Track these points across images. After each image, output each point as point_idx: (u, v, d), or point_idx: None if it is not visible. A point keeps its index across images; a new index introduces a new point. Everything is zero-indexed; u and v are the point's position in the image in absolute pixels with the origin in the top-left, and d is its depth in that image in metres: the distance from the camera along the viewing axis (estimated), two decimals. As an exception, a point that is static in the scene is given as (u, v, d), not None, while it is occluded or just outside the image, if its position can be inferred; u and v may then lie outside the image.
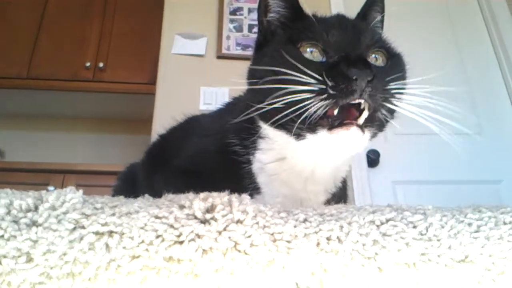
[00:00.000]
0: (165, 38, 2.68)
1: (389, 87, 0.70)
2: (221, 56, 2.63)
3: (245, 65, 0.85)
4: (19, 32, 3.28)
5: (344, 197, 0.96)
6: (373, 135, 0.75)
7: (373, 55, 0.76)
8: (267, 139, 0.82)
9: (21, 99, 3.37)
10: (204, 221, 0.54)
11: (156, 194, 0.63)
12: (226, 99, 2.41)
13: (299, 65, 0.68)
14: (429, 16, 2.88)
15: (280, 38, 0.80)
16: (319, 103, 0.65)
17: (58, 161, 2.98)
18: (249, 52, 2.58)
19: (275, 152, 0.82)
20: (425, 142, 2.38)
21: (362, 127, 0.68)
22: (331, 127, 0.68)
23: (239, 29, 2.74)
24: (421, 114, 0.71)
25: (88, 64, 3.23)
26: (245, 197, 0.59)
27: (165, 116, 2.54)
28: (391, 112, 0.72)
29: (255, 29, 2.08)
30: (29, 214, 0.52)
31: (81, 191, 0.57)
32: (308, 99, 0.66)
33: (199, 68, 2.61)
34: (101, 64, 3.24)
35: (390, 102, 0.70)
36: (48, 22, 3.34)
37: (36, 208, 0.53)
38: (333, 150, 0.74)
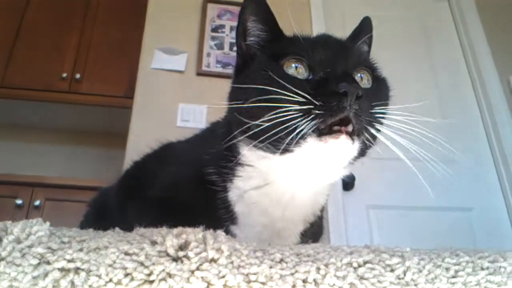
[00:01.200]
0: (145, 52, 2.65)
1: (374, 110, 0.69)
2: (201, 73, 2.62)
3: (224, 83, 0.84)
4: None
5: (321, 228, 0.94)
6: (360, 152, 0.72)
7: (359, 74, 0.75)
8: (246, 166, 0.80)
9: (-8, 108, 3.25)
10: (176, 259, 0.52)
11: (129, 225, 0.61)
12: (204, 117, 2.42)
13: (284, 83, 0.66)
14: (411, 58, 2.92)
15: (261, 58, 0.78)
16: (307, 123, 0.63)
17: (27, 173, 2.88)
18: (229, 70, 2.57)
19: (255, 178, 0.80)
20: (400, 168, 2.38)
21: (351, 136, 0.66)
22: (320, 134, 0.65)
23: (220, 46, 2.73)
24: (399, 144, 0.69)
25: (64, 75, 3.16)
26: (220, 233, 0.57)
27: (141, 131, 2.51)
28: (373, 138, 0.70)
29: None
30: (-8, 247, 0.50)
31: (48, 223, 0.54)
32: (296, 118, 0.64)
33: (178, 84, 2.59)
34: (78, 75, 3.17)
35: (374, 127, 0.68)
36: (26, 30, 3.27)
37: (0, 240, 0.51)
38: (321, 160, 0.70)
